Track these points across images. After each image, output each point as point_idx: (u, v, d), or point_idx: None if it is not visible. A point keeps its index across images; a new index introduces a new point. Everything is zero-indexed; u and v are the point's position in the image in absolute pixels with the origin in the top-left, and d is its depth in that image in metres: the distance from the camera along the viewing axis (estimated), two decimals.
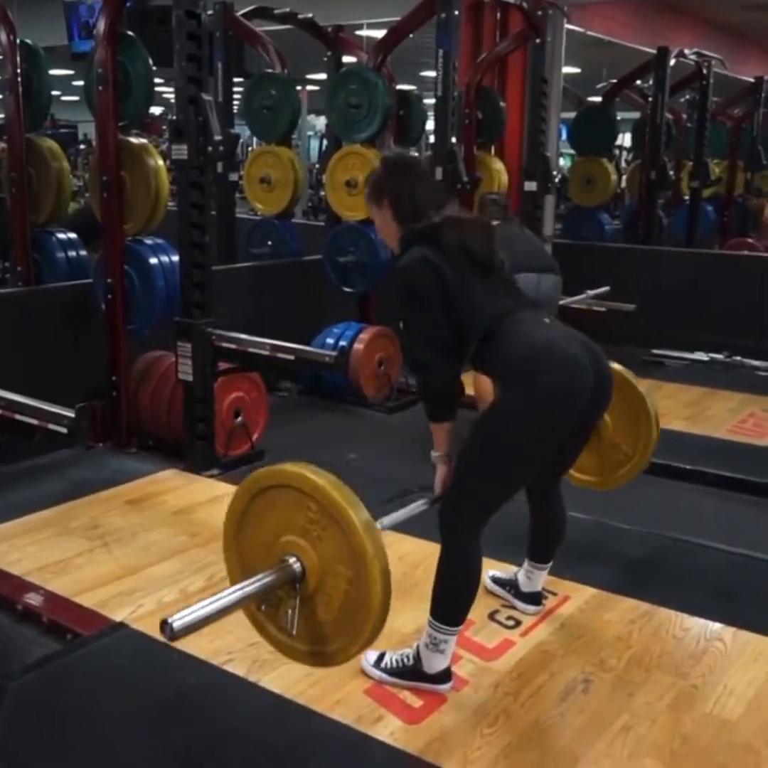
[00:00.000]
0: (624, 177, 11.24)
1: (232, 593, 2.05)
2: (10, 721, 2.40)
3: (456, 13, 5.17)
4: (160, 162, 4.26)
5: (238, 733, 2.36)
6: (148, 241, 4.39)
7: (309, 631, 2.12)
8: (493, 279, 2.47)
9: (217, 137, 3.80)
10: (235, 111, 6.33)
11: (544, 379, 2.31)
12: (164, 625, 1.89)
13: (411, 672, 2.53)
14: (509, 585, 3.04)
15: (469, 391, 2.66)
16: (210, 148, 3.82)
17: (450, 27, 5.18)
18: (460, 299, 2.40)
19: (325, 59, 6.20)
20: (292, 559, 2.08)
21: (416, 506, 2.52)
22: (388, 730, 2.36)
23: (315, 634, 2.11)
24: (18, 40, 4.40)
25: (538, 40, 6.25)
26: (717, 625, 2.91)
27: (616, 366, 3.07)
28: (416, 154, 6.52)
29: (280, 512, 2.10)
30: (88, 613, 2.91)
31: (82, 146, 17.20)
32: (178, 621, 1.89)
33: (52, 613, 2.89)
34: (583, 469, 3.03)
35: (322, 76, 10.85)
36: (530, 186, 6.51)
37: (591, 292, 5.68)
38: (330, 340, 5.51)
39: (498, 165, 6.76)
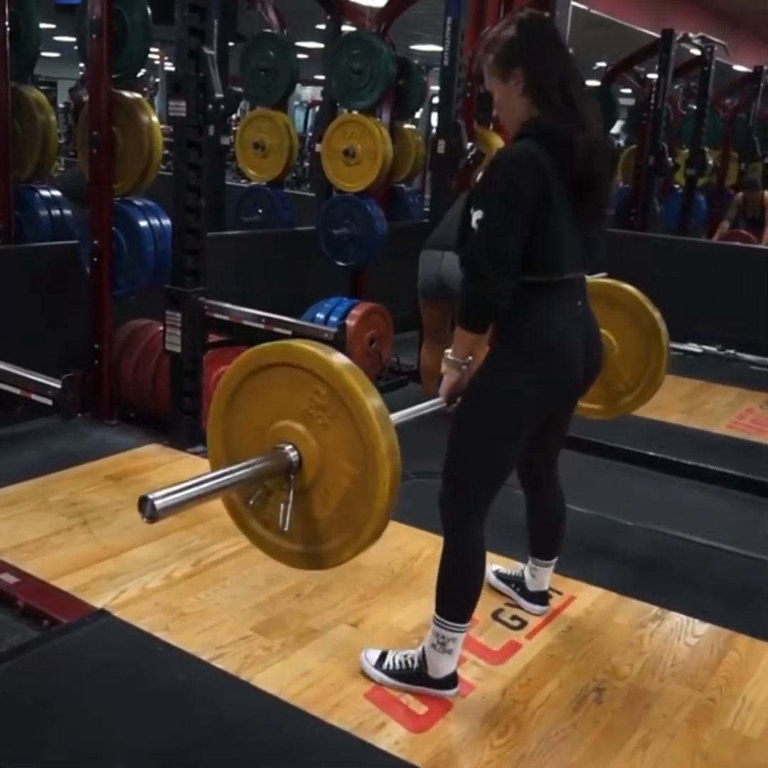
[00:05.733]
0: None
1: (219, 477, 1.87)
2: None
3: None
4: (154, 118, 4.03)
5: (228, 737, 2.18)
6: (138, 203, 4.15)
7: (299, 529, 1.94)
8: (587, 216, 2.18)
9: (219, 95, 3.56)
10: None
11: (553, 367, 2.23)
12: (144, 502, 1.70)
13: (415, 675, 2.37)
14: (515, 582, 2.89)
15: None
16: (210, 106, 3.58)
17: None
18: (551, 223, 2.09)
19: (325, 26, 5.97)
20: (288, 447, 1.90)
21: (428, 405, 2.33)
22: (392, 738, 2.19)
23: (306, 533, 1.94)
24: None
25: (546, 14, 6.02)
26: (729, 633, 2.78)
27: (638, 294, 3.04)
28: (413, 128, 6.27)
29: (280, 394, 1.90)
30: (67, 597, 2.72)
31: (61, 104, 16.75)
32: (160, 500, 1.72)
33: (28, 597, 2.70)
34: (587, 397, 2.85)
35: (310, 44, 10.54)
36: None
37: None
38: (320, 315, 5.27)
39: (498, 141, 6.56)
